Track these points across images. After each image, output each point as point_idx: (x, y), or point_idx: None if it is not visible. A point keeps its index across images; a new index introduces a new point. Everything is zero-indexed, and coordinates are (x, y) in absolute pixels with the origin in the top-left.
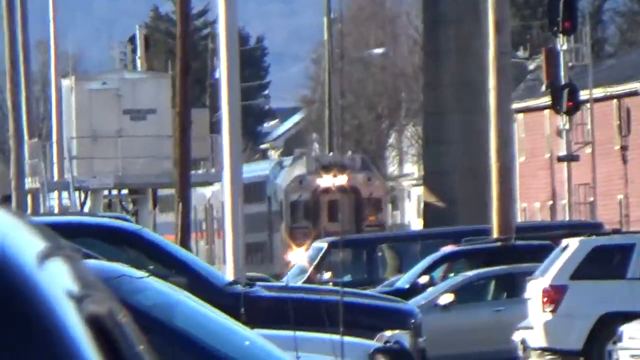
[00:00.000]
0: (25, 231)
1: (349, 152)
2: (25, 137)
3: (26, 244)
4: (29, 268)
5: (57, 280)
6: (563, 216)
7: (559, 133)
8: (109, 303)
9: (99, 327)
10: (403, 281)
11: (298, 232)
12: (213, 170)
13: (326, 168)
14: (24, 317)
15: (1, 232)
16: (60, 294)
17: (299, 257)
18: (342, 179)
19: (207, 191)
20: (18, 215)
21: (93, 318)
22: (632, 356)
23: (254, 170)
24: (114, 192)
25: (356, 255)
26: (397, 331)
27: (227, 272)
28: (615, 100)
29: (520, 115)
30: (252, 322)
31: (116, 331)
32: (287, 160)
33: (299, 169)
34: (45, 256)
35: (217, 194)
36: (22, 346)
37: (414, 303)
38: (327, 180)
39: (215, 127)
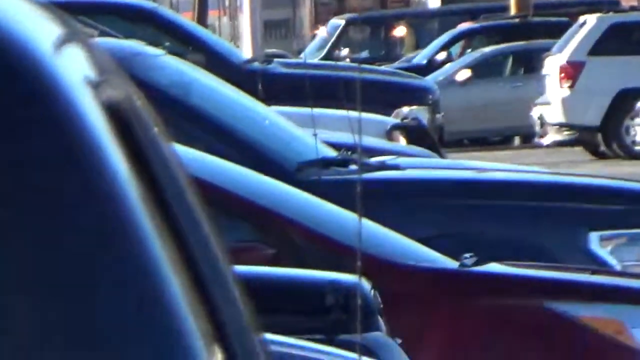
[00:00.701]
0: (38, 15)
1: None
2: None
3: (39, 29)
4: (43, 54)
5: (75, 67)
6: None
7: None
8: (126, 87)
9: (115, 113)
10: (421, 57)
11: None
12: None
13: None
14: (39, 109)
15: (11, 17)
16: (78, 81)
17: (319, 34)
18: None
19: None
20: None
21: (110, 103)
22: None
23: None
24: None
25: (374, 32)
26: (414, 107)
27: (244, 49)
28: None
29: None
30: (269, 99)
31: (132, 116)
32: None
33: None
34: (61, 42)
35: None
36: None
37: (431, 79)
38: None
39: None
